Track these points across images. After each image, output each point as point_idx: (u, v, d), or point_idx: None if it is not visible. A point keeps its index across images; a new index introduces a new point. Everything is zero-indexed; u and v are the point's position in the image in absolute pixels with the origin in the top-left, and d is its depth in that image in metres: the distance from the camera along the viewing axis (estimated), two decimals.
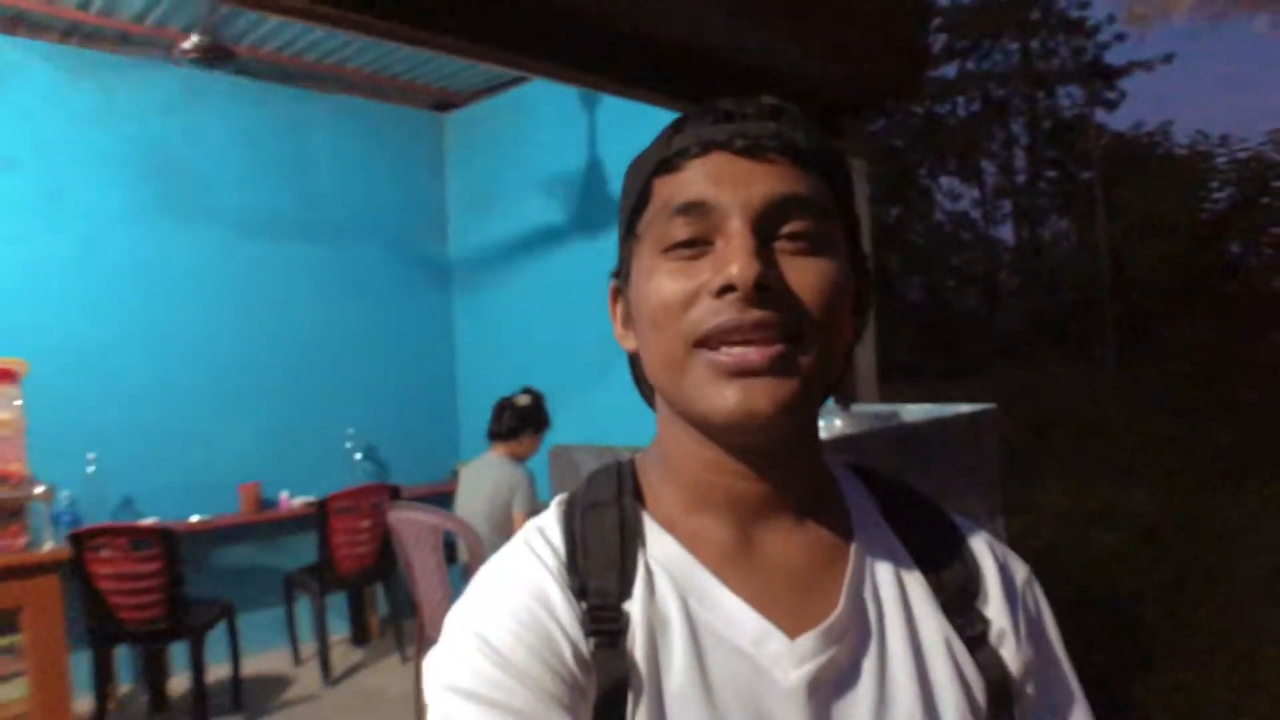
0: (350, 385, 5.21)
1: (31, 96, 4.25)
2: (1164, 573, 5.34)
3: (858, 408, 2.94)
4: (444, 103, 5.73)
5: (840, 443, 2.42)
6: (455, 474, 5.17)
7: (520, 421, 3.67)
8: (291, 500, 4.76)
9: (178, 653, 4.18)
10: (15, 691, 1.63)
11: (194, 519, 4.39)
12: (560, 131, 4.91)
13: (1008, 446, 10.00)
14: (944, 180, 24.38)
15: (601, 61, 2.64)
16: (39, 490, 1.66)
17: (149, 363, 4.43)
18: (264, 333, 4.91)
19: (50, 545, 1.74)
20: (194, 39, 3.99)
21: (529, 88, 5.11)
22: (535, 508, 3.42)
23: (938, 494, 1.47)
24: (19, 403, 1.73)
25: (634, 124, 4.40)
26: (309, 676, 4.43)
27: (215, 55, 4.03)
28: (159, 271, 4.59)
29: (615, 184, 4.46)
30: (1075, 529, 6.87)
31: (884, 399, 3.41)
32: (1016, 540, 6.06)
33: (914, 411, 2.80)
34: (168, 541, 3.63)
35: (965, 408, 2.74)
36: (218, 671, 4.03)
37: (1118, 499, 7.48)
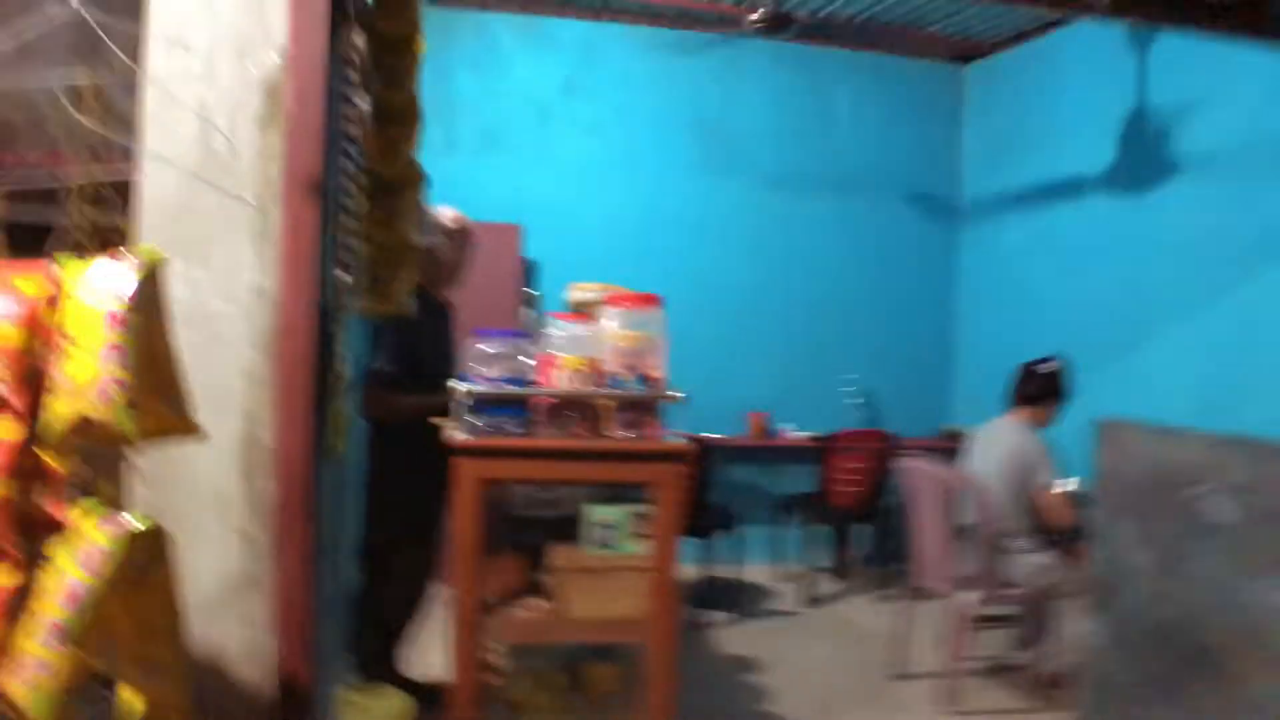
0: (855, 333, 5.49)
1: (612, 72, 5.15)
2: None
3: None
4: (965, 54, 5.65)
5: None
6: (943, 432, 5.21)
7: (1047, 388, 3.56)
8: (793, 432, 5.17)
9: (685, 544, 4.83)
10: (643, 549, 2.06)
11: (709, 435, 4.97)
12: (1095, 77, 4.62)
13: None
14: None
15: None
16: (677, 394, 2.05)
17: (690, 300, 5.07)
18: (783, 278, 5.40)
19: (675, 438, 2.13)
20: (760, 10, 4.38)
21: (1058, 35, 4.91)
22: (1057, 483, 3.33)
23: None
24: (660, 325, 2.13)
25: (1192, 65, 3.94)
26: (791, 594, 4.84)
27: (778, 23, 4.39)
28: (702, 221, 5.28)
29: (1168, 130, 4.07)
30: None
31: None
32: None
33: None
34: (704, 451, 4.19)
35: None
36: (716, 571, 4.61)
37: None
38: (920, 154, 5.70)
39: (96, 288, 1.11)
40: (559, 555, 2.06)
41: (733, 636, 4.24)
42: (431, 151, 2.30)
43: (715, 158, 5.33)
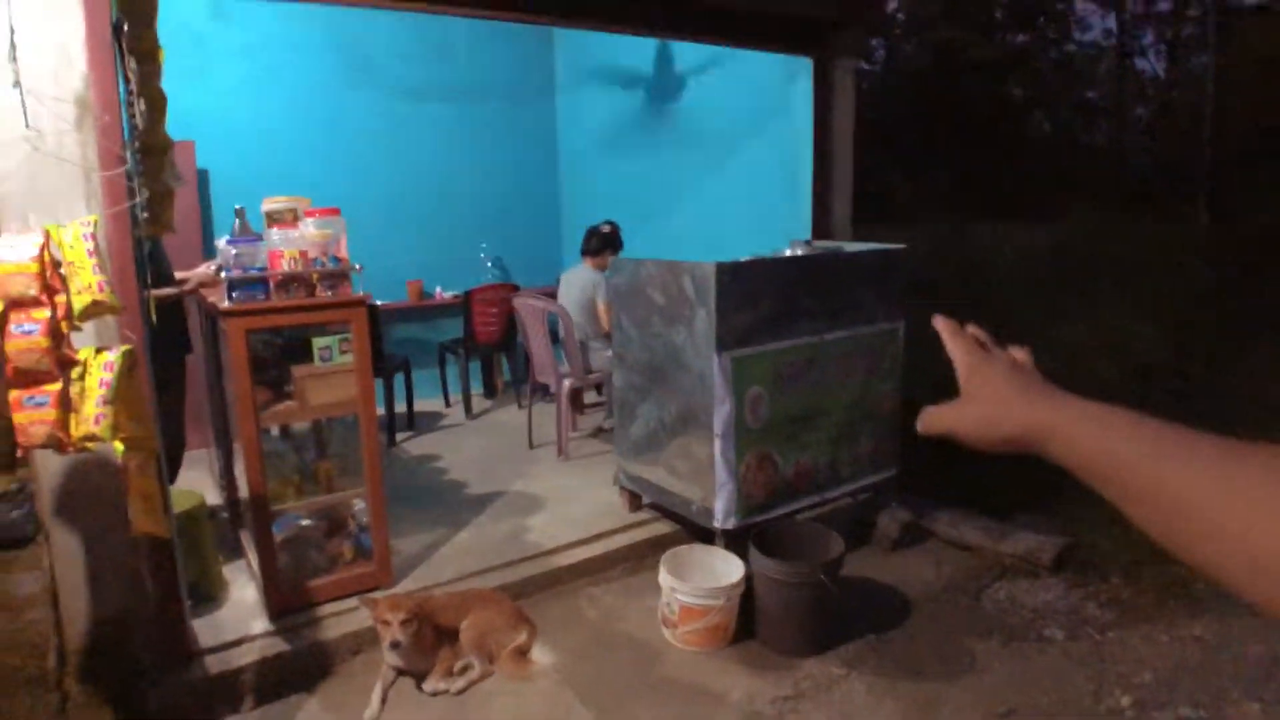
0: (485, 210, 7.00)
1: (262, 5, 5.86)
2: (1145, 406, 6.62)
3: (817, 243, 4.48)
4: None
5: (793, 261, 4.01)
6: (557, 280, 6.99)
7: (605, 242, 5.34)
8: (443, 293, 6.64)
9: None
10: (348, 360, 3.45)
11: (379, 302, 6.28)
12: None
13: (1037, 283, 10.89)
14: (1079, 4, 23.58)
15: None
16: (356, 267, 3.41)
17: (351, 195, 6.17)
18: (423, 172, 6.68)
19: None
20: None
21: None
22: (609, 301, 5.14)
23: (853, 304, 3.43)
24: (340, 226, 3.45)
25: None
26: (456, 413, 6.46)
27: None
28: (351, 128, 6.35)
29: (682, 57, 5.74)
30: (1080, 361, 7.99)
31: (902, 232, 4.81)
32: None
33: (851, 247, 4.32)
34: (373, 314, 5.51)
35: (879, 247, 4.24)
36: (398, 406, 6.03)
37: (1133, 339, 8.20)
38: (521, 63, 7.15)
39: (74, 236, 2.28)
40: (299, 370, 3.37)
41: (417, 445, 5.77)
42: None
43: (356, 74, 6.32)
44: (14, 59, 2.65)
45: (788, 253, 4.20)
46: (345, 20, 6.16)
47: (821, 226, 4.80)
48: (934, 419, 0.79)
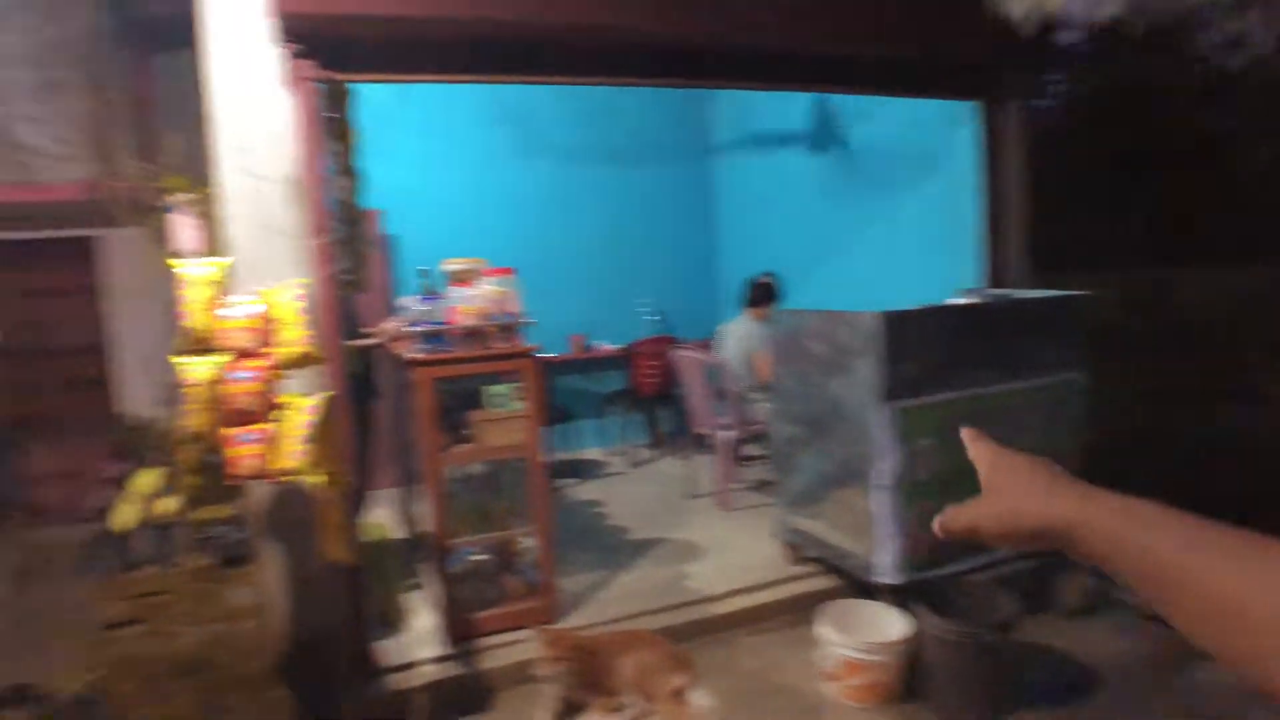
0: (645, 266, 7.27)
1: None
2: None
3: (988, 291, 4.38)
4: None
5: (960, 309, 3.95)
6: (715, 332, 7.12)
7: (764, 294, 5.44)
8: (606, 346, 6.93)
9: None
10: (520, 407, 3.70)
11: (545, 355, 6.62)
12: None
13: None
14: None
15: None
16: (529, 320, 3.68)
17: (518, 256, 6.58)
18: (587, 231, 7.05)
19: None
20: None
21: None
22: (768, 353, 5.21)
23: (1029, 354, 3.35)
24: (513, 283, 3.74)
25: None
26: (618, 462, 6.67)
27: None
28: (517, 194, 6.81)
29: (844, 108, 5.84)
30: None
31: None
32: (1230, 423, 6.51)
33: (1024, 295, 4.20)
34: (542, 366, 5.83)
35: (1056, 294, 4.08)
36: (562, 453, 6.31)
37: None
38: (679, 124, 7.46)
39: (287, 297, 2.62)
40: (476, 415, 3.66)
41: (581, 492, 6.00)
42: None
43: (525, 143, 6.82)
44: (242, 150, 3.10)
45: (955, 302, 4.15)
46: (513, 94, 6.67)
47: (992, 274, 4.69)
48: (955, 517, 0.80)
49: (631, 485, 6.15)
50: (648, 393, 6.52)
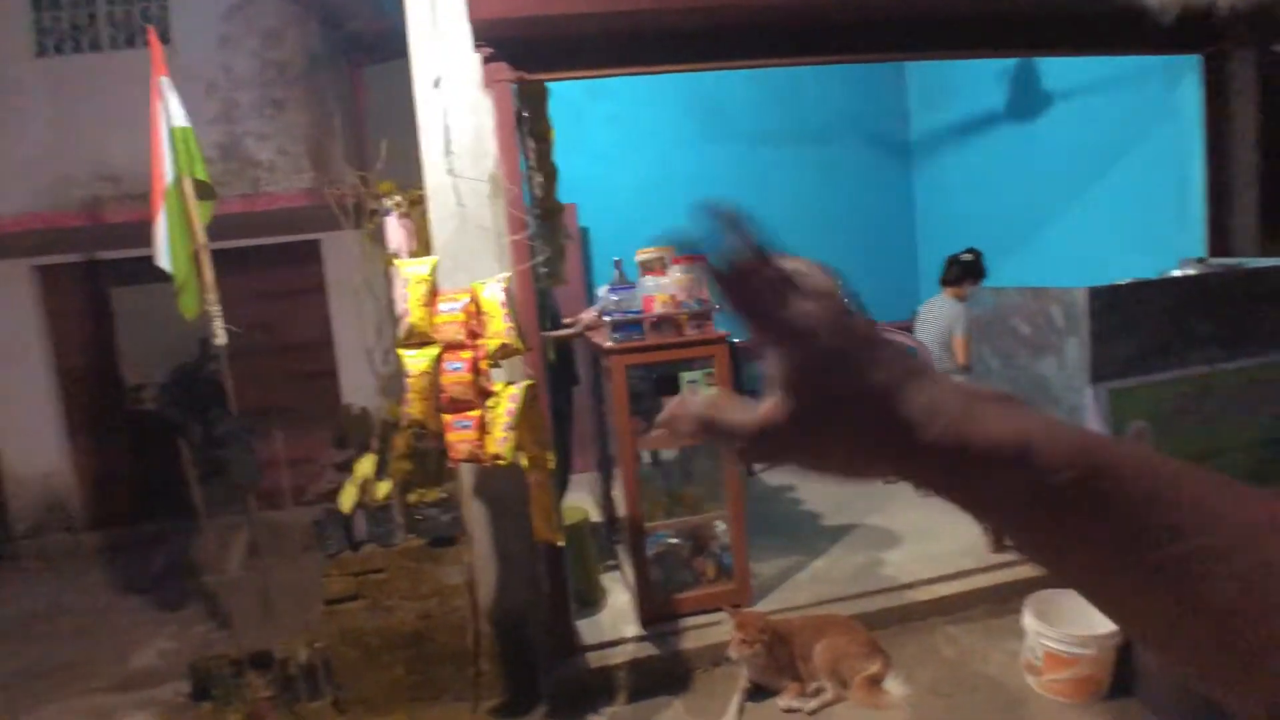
0: (839, 249, 7.06)
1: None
2: None
3: (1212, 261, 3.98)
4: None
5: (1178, 282, 3.63)
6: (913, 314, 6.86)
7: (965, 272, 5.18)
8: None
9: None
10: (714, 391, 3.75)
11: (738, 340, 6.62)
12: None
13: None
14: None
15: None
16: (718, 308, 3.72)
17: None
18: (779, 215, 6.81)
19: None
20: None
21: None
22: (969, 333, 4.96)
23: (1259, 328, 3.15)
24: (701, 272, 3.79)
25: None
26: None
27: None
28: (705, 179, 6.80)
29: (1046, 76, 5.48)
30: None
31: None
32: None
33: (1255, 264, 3.79)
34: (733, 349, 5.84)
35: None
36: None
37: None
38: (873, 102, 7.21)
39: (491, 291, 2.79)
40: (669, 401, 3.72)
41: (775, 476, 5.97)
42: None
43: (713, 128, 6.83)
44: (449, 152, 3.31)
45: (1176, 273, 3.79)
46: (700, 80, 6.67)
47: (1218, 243, 4.25)
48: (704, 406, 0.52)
49: None
50: None
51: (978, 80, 6.18)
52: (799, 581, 4.10)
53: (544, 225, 3.61)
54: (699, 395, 0.57)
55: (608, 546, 4.53)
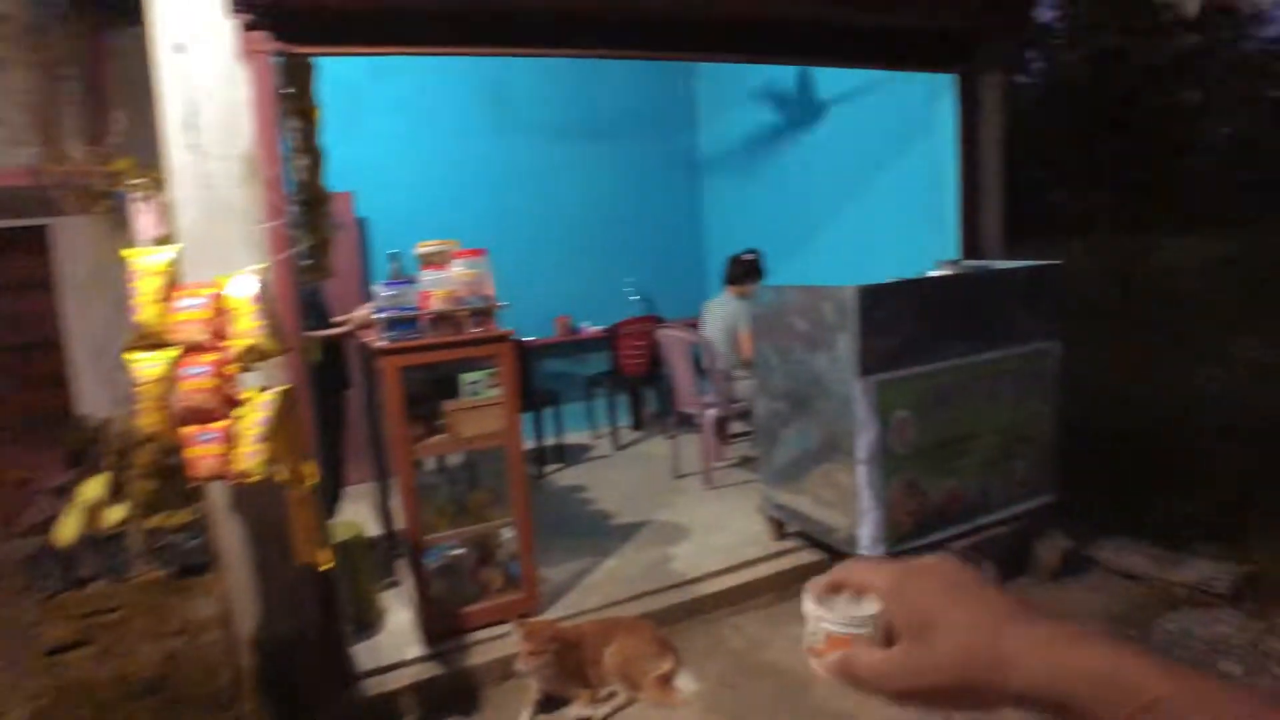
0: (630, 246, 7.10)
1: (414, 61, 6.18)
2: None
3: (965, 263, 4.28)
4: None
5: (936, 281, 3.85)
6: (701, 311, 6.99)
7: (747, 271, 5.30)
8: (590, 327, 6.78)
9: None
10: (496, 394, 3.57)
11: (528, 339, 6.46)
12: None
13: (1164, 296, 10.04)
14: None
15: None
16: (501, 304, 3.54)
17: (500, 237, 6.39)
18: (570, 211, 6.87)
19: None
20: None
21: None
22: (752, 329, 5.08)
23: (1004, 324, 3.30)
24: (486, 265, 3.59)
25: None
26: (604, 445, 6.55)
27: None
28: (500, 171, 6.60)
29: (823, 87, 5.72)
30: (1267, 381, 7.04)
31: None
32: (1203, 386, 6.66)
33: (1000, 266, 4.10)
34: (521, 350, 5.69)
35: (1031, 263, 4.00)
36: (547, 439, 6.18)
37: None
38: (663, 104, 7.27)
39: (240, 286, 2.47)
40: (449, 404, 3.52)
41: (566, 477, 5.88)
42: None
43: (503, 119, 6.61)
44: (193, 127, 2.93)
45: (934, 274, 4.04)
46: (490, 69, 6.46)
47: (970, 246, 4.58)
48: (861, 664, 0.65)
49: (616, 468, 6.03)
50: (632, 373, 6.39)
51: (761, 88, 6.37)
52: (590, 584, 4.01)
53: (308, 213, 3.29)
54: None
55: (388, 562, 4.24)
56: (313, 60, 3.24)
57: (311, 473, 2.69)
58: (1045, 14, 21.77)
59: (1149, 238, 13.54)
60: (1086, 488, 4.40)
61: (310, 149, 3.29)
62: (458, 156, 6.48)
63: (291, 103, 3.20)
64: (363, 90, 6.06)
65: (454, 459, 4.15)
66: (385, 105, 6.19)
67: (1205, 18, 20.35)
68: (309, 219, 3.30)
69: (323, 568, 2.78)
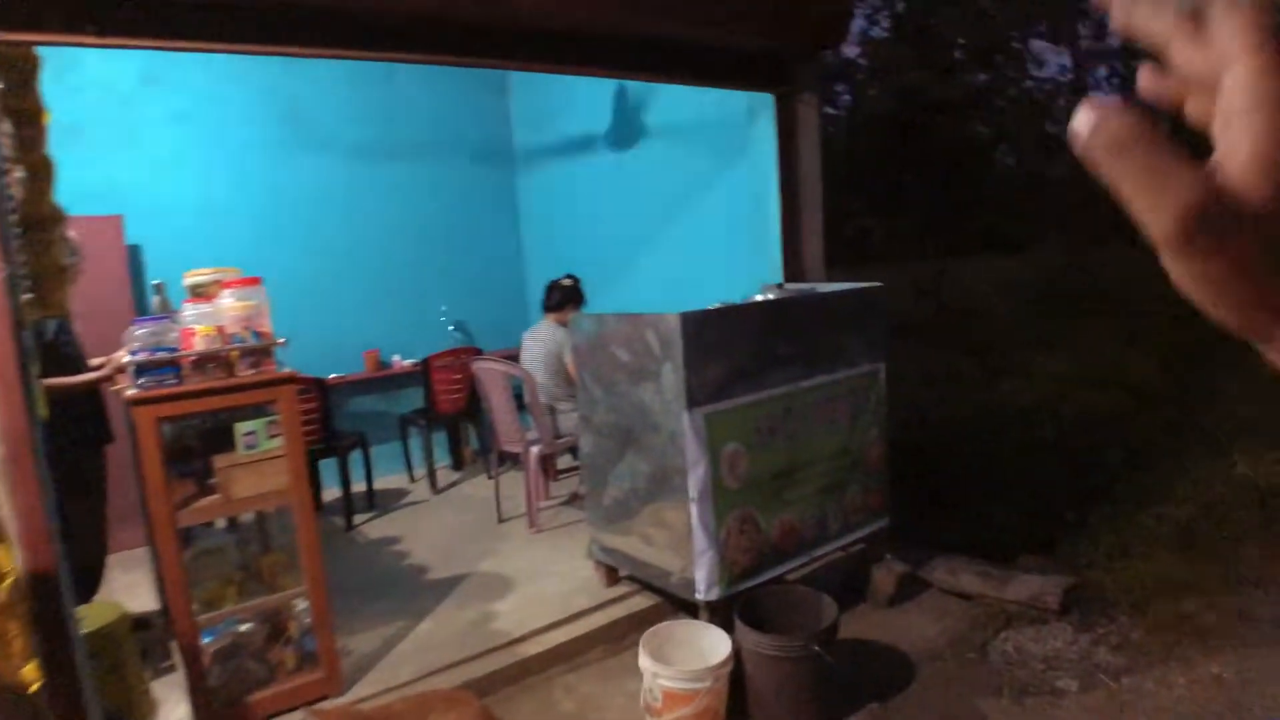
0: (443, 273, 6.66)
1: (192, 60, 5.51)
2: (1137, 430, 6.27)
3: (789, 286, 4.18)
4: None
5: (763, 306, 3.70)
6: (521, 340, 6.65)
7: (566, 298, 5.02)
8: (402, 361, 6.28)
9: (326, 469, 5.68)
10: (277, 445, 3.09)
11: (332, 376, 5.90)
12: None
13: (954, 316, 10.85)
14: (1035, 44, 24.32)
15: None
16: (280, 341, 3.07)
17: (298, 264, 5.83)
18: (377, 236, 6.35)
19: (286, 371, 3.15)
20: None
21: None
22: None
23: (831, 347, 3.07)
24: (262, 296, 3.11)
25: None
26: (421, 489, 6.05)
27: None
28: (295, 195, 6.02)
29: (643, 107, 5.55)
30: (1070, 393, 7.58)
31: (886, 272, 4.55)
32: (1007, 398, 7.05)
33: (825, 288, 4.03)
34: (321, 389, 5.15)
35: (856, 286, 3.95)
36: (356, 485, 5.62)
37: (1117, 365, 8.00)
38: (477, 120, 6.90)
39: None
40: (220, 459, 3.00)
41: (378, 527, 5.35)
42: None
43: (302, 137, 6.02)
44: None
45: (759, 298, 3.89)
46: (286, 81, 5.90)
47: (793, 269, 4.51)
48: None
49: (434, 514, 5.56)
50: (449, 410, 5.95)
51: (581, 101, 6.14)
52: (402, 653, 3.56)
53: (31, 237, 2.72)
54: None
55: (165, 641, 3.63)
56: (36, 52, 2.70)
57: (8, 567, 2.14)
58: (850, 50, 23.18)
59: (955, 261, 14.55)
60: (914, 508, 4.40)
61: (32, 160, 2.73)
62: (248, 176, 5.85)
63: (8, 102, 2.65)
64: (135, 100, 5.36)
65: (247, 517, 3.61)
66: (161, 117, 5.49)
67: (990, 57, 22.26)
68: (32, 243, 2.73)
69: (31, 689, 2.21)
